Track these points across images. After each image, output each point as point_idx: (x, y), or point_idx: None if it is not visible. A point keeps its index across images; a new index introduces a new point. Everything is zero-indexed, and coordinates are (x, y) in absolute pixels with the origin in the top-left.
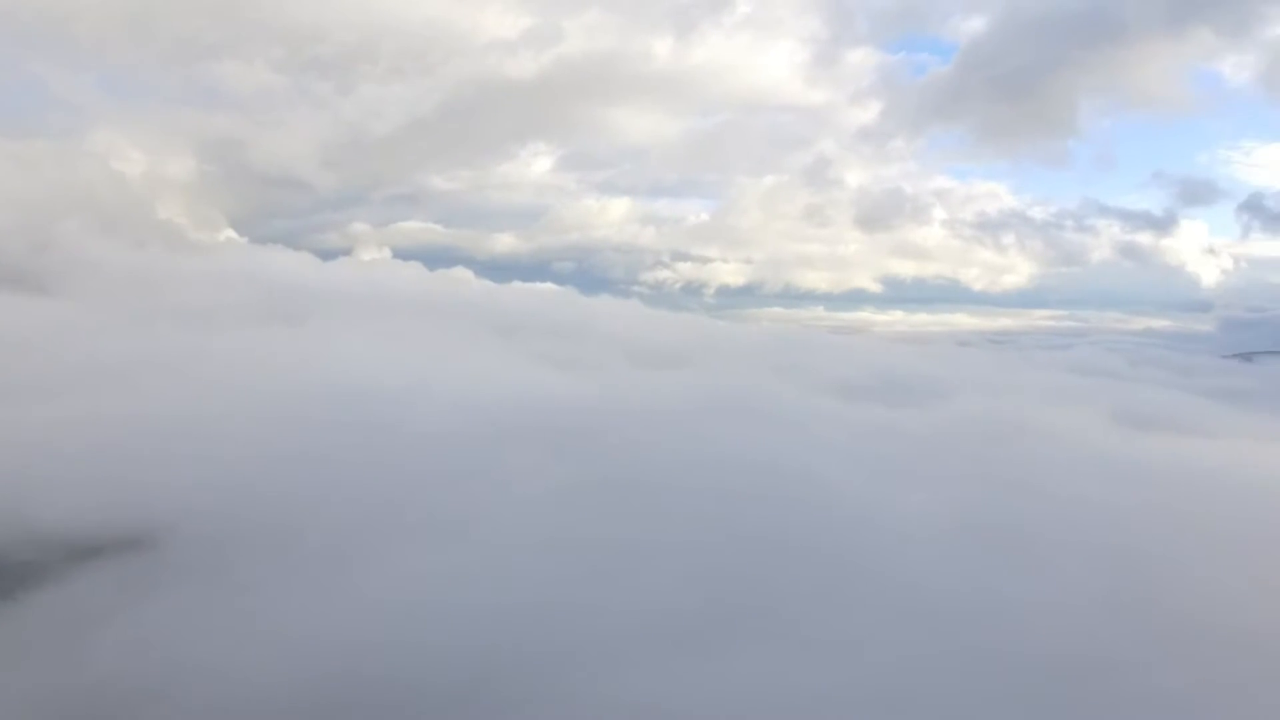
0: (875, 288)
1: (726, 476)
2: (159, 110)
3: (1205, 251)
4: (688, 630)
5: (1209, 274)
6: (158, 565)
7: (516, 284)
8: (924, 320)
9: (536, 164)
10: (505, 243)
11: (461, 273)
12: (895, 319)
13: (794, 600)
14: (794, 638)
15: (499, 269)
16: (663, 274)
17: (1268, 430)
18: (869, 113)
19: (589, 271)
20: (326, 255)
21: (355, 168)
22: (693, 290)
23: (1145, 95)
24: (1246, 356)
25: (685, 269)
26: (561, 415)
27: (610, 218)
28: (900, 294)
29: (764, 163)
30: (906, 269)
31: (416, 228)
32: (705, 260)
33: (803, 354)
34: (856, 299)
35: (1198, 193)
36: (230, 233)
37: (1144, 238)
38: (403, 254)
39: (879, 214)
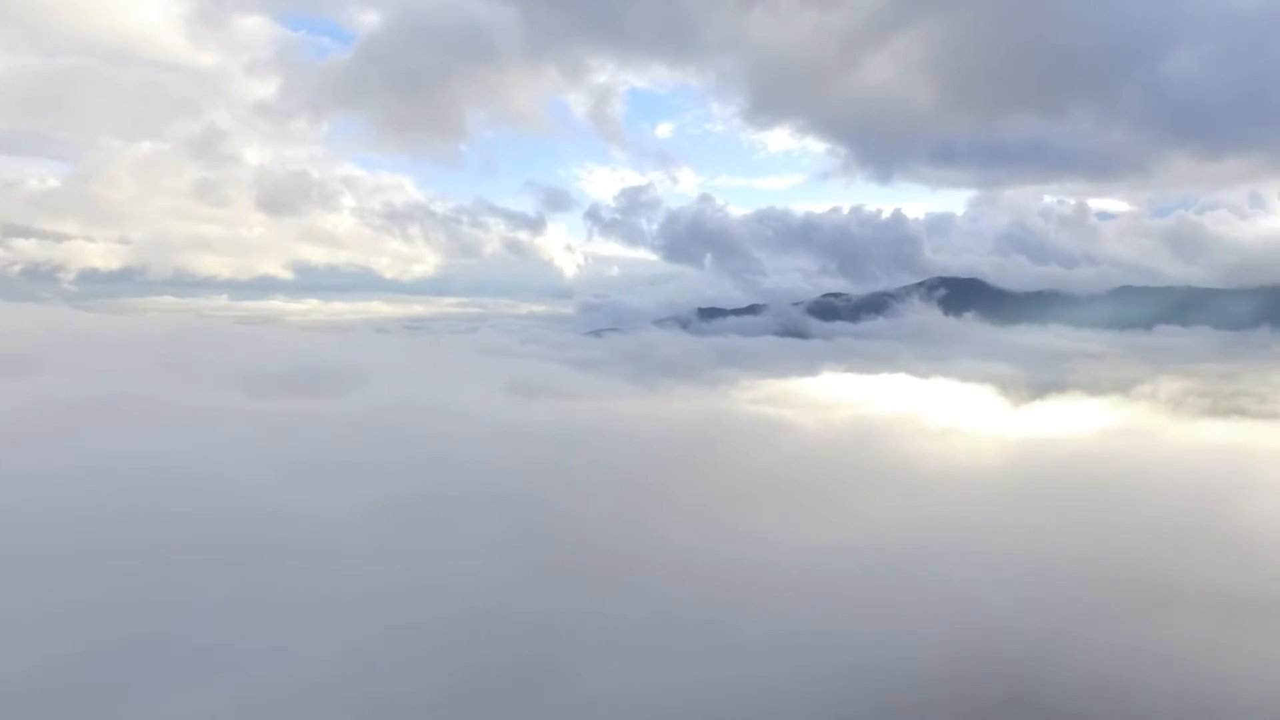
0: (286, 275)
1: (102, 494)
2: None
3: (565, 249)
4: (77, 682)
5: (569, 268)
6: None
7: None
8: (341, 309)
9: None
10: None
11: None
12: (311, 308)
13: (210, 619)
14: (211, 658)
15: None
16: None
17: (614, 390)
18: (268, 87)
19: None
20: None
21: None
22: (44, 275)
23: (518, 114)
24: (597, 333)
25: (29, 247)
26: None
27: None
28: (314, 281)
29: (139, 125)
30: (319, 256)
31: None
32: (60, 237)
33: (203, 347)
34: (266, 287)
35: (558, 200)
36: None
37: (523, 235)
38: None
39: (285, 197)
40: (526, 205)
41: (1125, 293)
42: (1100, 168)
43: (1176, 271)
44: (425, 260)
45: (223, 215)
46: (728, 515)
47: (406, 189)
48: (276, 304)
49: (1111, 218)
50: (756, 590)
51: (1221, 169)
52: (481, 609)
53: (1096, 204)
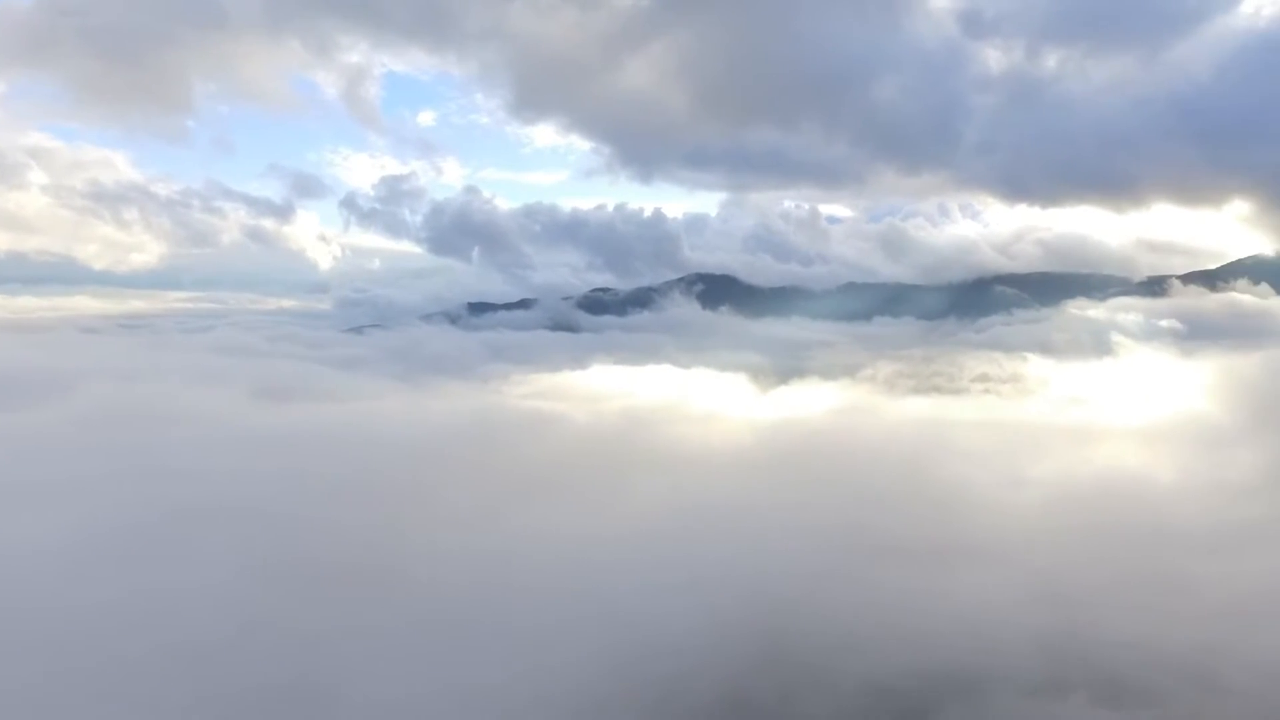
0: None
1: None
2: None
3: (319, 239)
4: None
5: (324, 260)
6: None
7: None
8: (32, 305)
9: None
10: None
11: None
12: None
13: None
14: None
15: None
16: None
17: (379, 389)
18: None
19: None
20: None
21: None
22: None
23: (257, 89)
24: (358, 330)
25: None
26: None
27: None
28: None
29: None
30: None
31: None
32: None
33: None
34: None
35: (309, 187)
36: None
37: (268, 223)
38: None
39: None
40: (271, 190)
41: (850, 289)
42: (827, 176)
43: (888, 270)
44: (146, 249)
45: None
46: (502, 513)
47: (119, 166)
48: None
49: (838, 221)
50: (531, 585)
51: (919, 183)
52: (227, 634)
53: (826, 209)
